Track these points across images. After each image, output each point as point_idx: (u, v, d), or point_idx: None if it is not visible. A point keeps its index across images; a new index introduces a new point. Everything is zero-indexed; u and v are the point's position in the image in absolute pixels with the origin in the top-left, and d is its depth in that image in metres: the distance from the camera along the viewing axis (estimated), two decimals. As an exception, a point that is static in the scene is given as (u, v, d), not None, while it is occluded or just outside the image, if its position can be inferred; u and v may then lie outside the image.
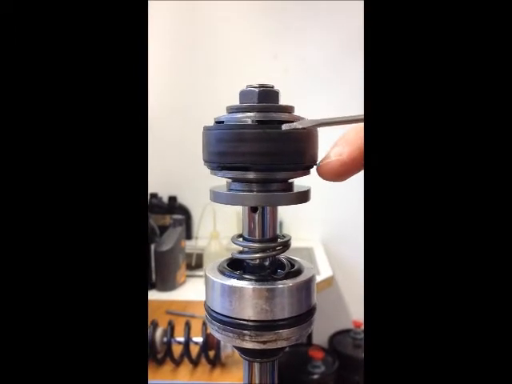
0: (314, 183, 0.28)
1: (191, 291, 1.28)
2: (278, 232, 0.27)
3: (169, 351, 0.87)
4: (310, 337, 1.73)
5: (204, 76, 1.79)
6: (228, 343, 0.24)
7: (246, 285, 0.23)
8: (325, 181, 0.23)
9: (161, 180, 1.72)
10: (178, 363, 0.88)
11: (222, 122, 0.23)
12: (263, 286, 0.23)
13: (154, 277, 1.29)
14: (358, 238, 1.57)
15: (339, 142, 0.23)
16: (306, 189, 0.25)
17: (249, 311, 0.23)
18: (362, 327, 1.63)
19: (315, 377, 1.47)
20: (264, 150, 0.22)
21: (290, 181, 0.25)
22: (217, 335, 0.24)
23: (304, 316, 0.24)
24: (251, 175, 0.23)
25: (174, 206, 1.76)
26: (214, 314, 0.24)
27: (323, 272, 1.42)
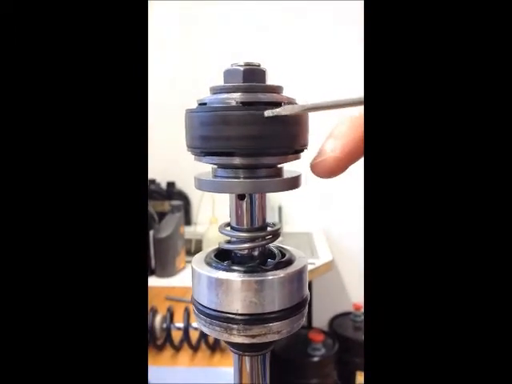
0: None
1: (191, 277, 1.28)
2: (267, 220, 0.25)
3: (168, 337, 0.87)
4: (310, 320, 1.75)
5: (202, 61, 1.75)
6: (216, 337, 0.23)
7: (233, 277, 0.22)
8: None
9: (159, 166, 1.70)
10: (177, 349, 0.88)
11: (205, 103, 0.22)
12: (252, 278, 0.22)
13: (153, 263, 1.29)
14: (357, 222, 1.57)
15: (331, 135, 0.21)
16: (296, 174, 0.23)
17: (237, 304, 0.22)
18: (362, 310, 1.64)
19: (315, 359, 1.49)
20: (249, 133, 0.21)
21: (280, 166, 0.24)
22: (204, 329, 0.23)
23: (295, 308, 0.23)
24: (237, 161, 0.21)
25: (172, 191, 1.75)
26: (201, 308, 0.23)
27: (323, 256, 1.41)
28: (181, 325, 0.88)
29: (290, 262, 0.24)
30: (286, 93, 0.24)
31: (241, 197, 0.23)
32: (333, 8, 1.69)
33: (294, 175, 0.23)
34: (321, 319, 1.76)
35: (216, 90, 0.22)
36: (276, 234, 0.25)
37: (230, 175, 0.22)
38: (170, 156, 1.77)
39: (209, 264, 0.24)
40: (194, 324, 0.88)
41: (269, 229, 0.25)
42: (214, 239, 1.34)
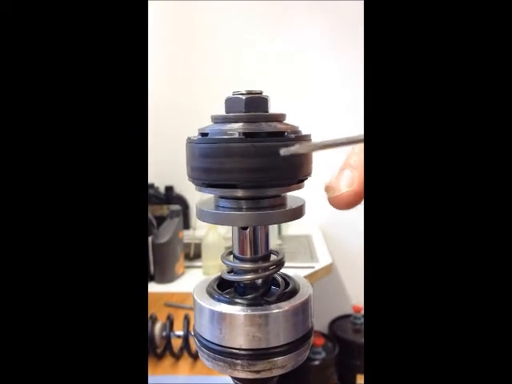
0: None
1: (190, 283, 1.27)
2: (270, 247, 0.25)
3: (168, 345, 0.87)
4: (310, 323, 1.74)
5: (200, 66, 1.74)
6: (219, 372, 0.22)
7: (237, 311, 0.22)
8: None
9: (157, 170, 1.69)
10: (177, 357, 0.87)
11: (207, 134, 0.21)
12: (256, 312, 0.21)
13: (152, 269, 1.28)
14: (356, 223, 1.56)
15: (347, 165, 0.21)
16: (299, 203, 0.23)
17: (240, 339, 0.21)
18: (362, 312, 1.64)
19: (316, 362, 1.49)
20: (252, 165, 0.20)
21: (283, 194, 0.23)
22: (207, 363, 0.23)
23: (301, 341, 0.23)
24: (239, 193, 0.21)
25: (171, 195, 1.74)
26: (204, 341, 0.23)
27: (322, 260, 1.41)
28: (181, 333, 0.87)
29: (294, 293, 0.23)
30: (289, 118, 0.23)
31: (244, 227, 0.23)
32: (330, 15, 1.68)
33: (297, 205, 0.23)
34: (321, 322, 1.75)
35: (218, 120, 0.21)
36: (280, 264, 0.24)
37: (232, 206, 0.22)
38: (168, 160, 1.76)
39: (211, 295, 0.23)
40: (194, 332, 0.88)
41: (272, 257, 0.24)
42: (213, 243, 1.33)
